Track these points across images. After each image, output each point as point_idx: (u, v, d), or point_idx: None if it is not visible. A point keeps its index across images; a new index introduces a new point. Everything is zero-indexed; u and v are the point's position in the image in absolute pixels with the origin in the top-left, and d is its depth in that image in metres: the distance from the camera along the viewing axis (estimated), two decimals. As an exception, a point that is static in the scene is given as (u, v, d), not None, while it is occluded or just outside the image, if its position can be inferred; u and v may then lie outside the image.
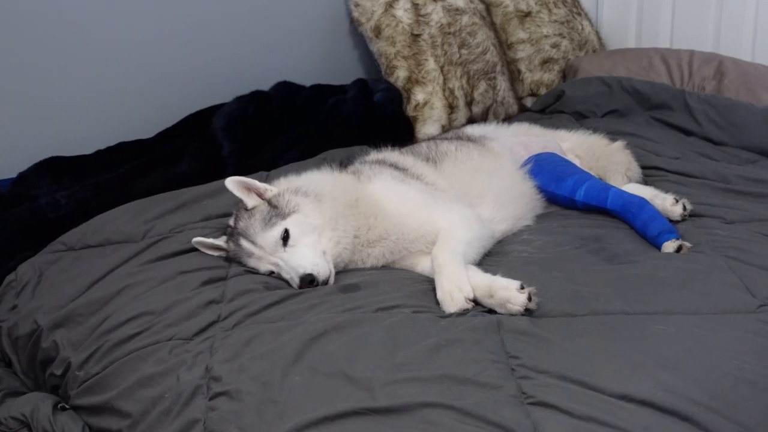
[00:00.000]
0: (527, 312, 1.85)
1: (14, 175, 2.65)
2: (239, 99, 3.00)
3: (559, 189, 2.51)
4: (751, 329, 1.80)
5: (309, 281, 2.03)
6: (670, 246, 2.21)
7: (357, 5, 3.30)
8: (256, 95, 3.04)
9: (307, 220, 2.11)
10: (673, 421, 1.53)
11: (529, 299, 1.85)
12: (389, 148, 2.60)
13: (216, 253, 2.23)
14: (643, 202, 2.37)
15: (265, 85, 3.12)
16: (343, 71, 3.42)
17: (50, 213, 2.48)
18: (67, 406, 1.96)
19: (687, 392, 1.59)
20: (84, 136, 2.78)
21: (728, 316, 1.86)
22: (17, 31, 2.65)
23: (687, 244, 2.22)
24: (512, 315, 1.85)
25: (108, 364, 1.91)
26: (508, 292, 1.87)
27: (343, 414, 1.56)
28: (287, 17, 3.29)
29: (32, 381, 2.14)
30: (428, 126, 3.23)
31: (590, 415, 1.52)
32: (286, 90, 3.13)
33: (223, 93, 3.01)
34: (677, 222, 2.37)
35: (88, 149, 2.77)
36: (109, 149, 2.79)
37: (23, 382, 2.16)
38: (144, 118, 2.91)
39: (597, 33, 3.97)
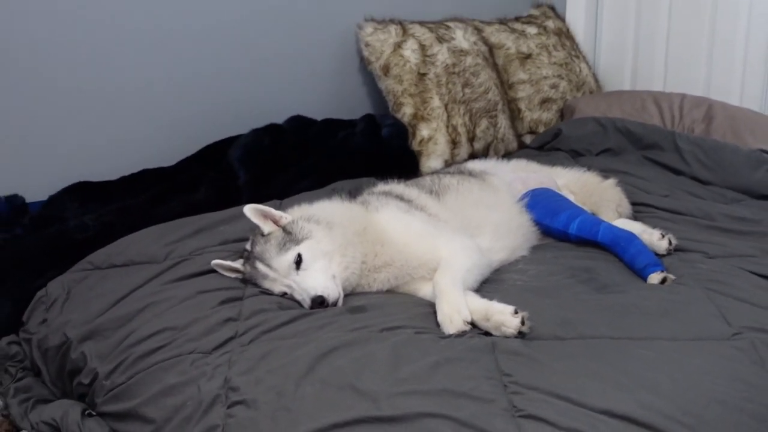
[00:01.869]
0: (520, 335, 1.94)
1: (45, 198, 2.73)
2: (255, 131, 3.08)
3: (554, 222, 2.59)
4: (726, 355, 1.89)
5: (320, 302, 2.11)
6: (655, 278, 2.30)
7: (367, 45, 3.38)
8: (270, 128, 3.12)
9: (319, 246, 2.20)
10: None
11: (523, 323, 1.94)
12: (395, 180, 2.66)
13: (233, 275, 2.32)
14: (631, 237, 2.45)
15: (279, 119, 3.19)
16: (353, 107, 3.49)
17: (78, 234, 2.57)
18: (94, 413, 2.04)
19: (663, 409, 1.67)
20: (110, 163, 2.87)
21: (705, 342, 1.95)
22: (50, 68, 2.75)
23: (671, 276, 2.30)
24: (506, 337, 1.93)
25: (133, 374, 1.99)
26: (503, 316, 1.96)
27: (351, 422, 1.66)
28: (301, 56, 3.37)
29: (60, 390, 2.23)
30: (432, 160, 3.31)
31: (574, 428, 1.62)
32: (299, 123, 3.21)
33: (240, 125, 3.09)
34: (663, 256, 2.44)
35: (113, 175, 2.85)
36: (132, 176, 2.88)
37: (51, 391, 2.25)
38: (166, 147, 2.99)
39: (594, 75, 4.04)
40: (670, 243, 2.49)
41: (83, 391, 2.13)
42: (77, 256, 2.49)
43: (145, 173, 2.91)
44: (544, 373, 1.81)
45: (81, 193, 2.76)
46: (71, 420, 2.03)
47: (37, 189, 2.74)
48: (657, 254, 2.45)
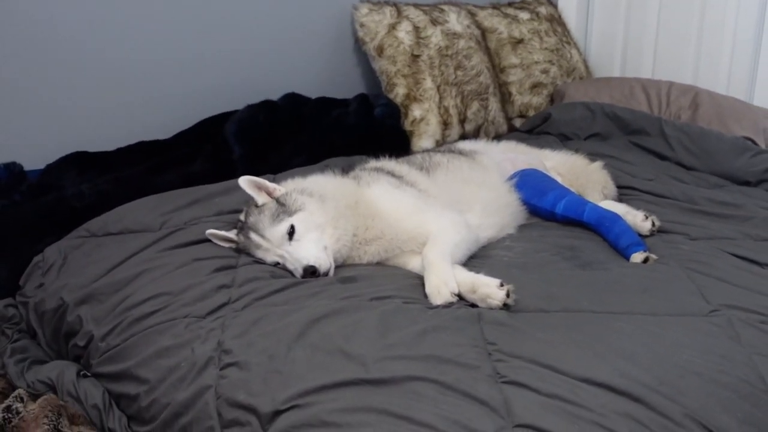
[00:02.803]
0: (505, 307, 1.99)
1: (42, 166, 2.76)
2: (250, 107, 3.10)
3: (541, 202, 2.64)
4: (703, 330, 1.95)
5: (311, 272, 2.16)
6: (637, 257, 2.35)
7: (362, 25, 3.41)
8: (265, 104, 3.14)
9: (312, 218, 2.25)
10: (626, 401, 1.68)
11: (508, 296, 1.99)
12: (387, 158, 2.70)
13: (227, 245, 2.36)
14: (616, 217, 2.50)
15: (274, 96, 3.21)
16: (347, 86, 3.51)
17: (75, 202, 2.60)
18: (89, 374, 2.09)
19: (640, 378, 1.73)
20: (107, 134, 2.89)
21: (683, 318, 2.01)
22: (51, 39, 2.77)
23: (653, 256, 2.36)
24: (492, 309, 1.99)
25: (128, 336, 2.05)
26: (489, 289, 2.01)
27: (339, 383, 1.71)
28: (297, 34, 3.39)
29: (55, 352, 2.28)
30: (423, 140, 3.34)
31: (555, 393, 1.68)
32: (293, 101, 3.23)
33: (236, 101, 3.11)
34: (646, 236, 2.50)
35: (111, 146, 2.88)
36: (129, 147, 2.90)
37: (47, 353, 2.29)
38: (162, 120, 3.02)
39: (584, 61, 4.07)
40: (653, 224, 2.54)
41: (78, 353, 2.18)
42: (74, 223, 2.53)
43: (141, 145, 2.93)
44: (527, 342, 1.87)
45: (78, 163, 2.78)
46: (67, 380, 2.08)
47: (35, 157, 2.77)
48: (640, 235, 2.50)
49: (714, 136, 3.18)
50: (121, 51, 2.95)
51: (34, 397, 2.03)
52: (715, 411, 1.72)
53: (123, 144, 2.93)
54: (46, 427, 1.88)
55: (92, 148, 2.86)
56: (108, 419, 1.99)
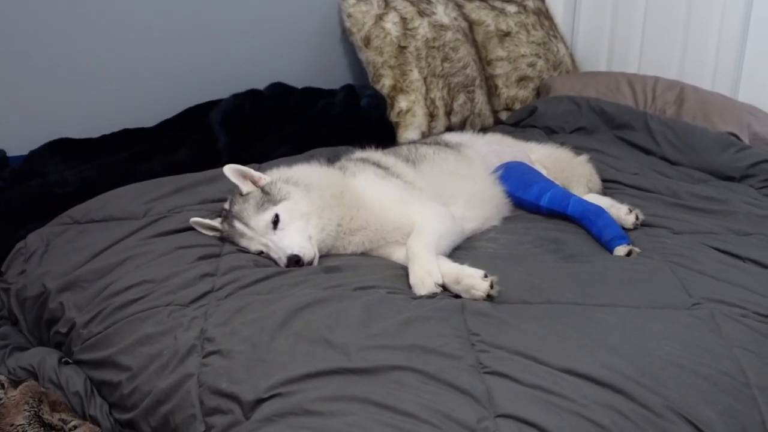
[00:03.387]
0: (489, 298, 2.00)
1: (26, 152, 2.74)
2: (236, 96, 3.09)
3: (526, 195, 2.65)
4: (684, 322, 1.97)
5: (295, 261, 2.15)
6: (621, 250, 2.37)
7: (349, 16, 3.40)
8: (251, 93, 3.13)
9: (296, 207, 2.24)
10: (608, 392, 1.69)
11: (492, 287, 2.00)
12: (373, 149, 2.69)
13: (211, 233, 2.35)
14: (600, 211, 2.52)
15: (260, 85, 3.21)
16: (333, 76, 3.51)
17: (58, 189, 2.58)
18: (70, 361, 2.08)
19: (622, 369, 1.75)
20: (91, 121, 2.87)
21: (665, 310, 2.03)
22: (35, 26, 2.75)
23: (636, 249, 2.38)
24: (475, 300, 2.00)
25: (110, 324, 2.04)
26: (473, 280, 2.02)
27: (322, 372, 1.71)
28: (284, 24, 3.38)
29: (37, 339, 2.27)
30: (409, 132, 3.34)
31: (537, 384, 1.69)
32: (279, 90, 3.22)
33: (222, 90, 3.11)
34: (630, 230, 2.52)
35: (95, 133, 2.86)
36: (113, 135, 2.88)
37: (28, 340, 2.29)
38: (147, 108, 3.01)
39: (571, 56, 4.08)
40: (637, 218, 2.57)
41: (60, 340, 2.17)
42: (57, 210, 2.52)
43: (126, 132, 2.92)
44: (510, 333, 1.88)
45: (62, 149, 2.76)
46: (48, 366, 2.07)
47: (18, 144, 2.75)
48: (624, 228, 2.52)
49: (699, 131, 3.20)
50: (106, 38, 2.94)
51: (15, 383, 2.02)
52: (695, 403, 1.73)
53: (107, 131, 2.91)
54: (27, 413, 1.87)
55: (76, 135, 2.84)
56: (89, 406, 1.98)
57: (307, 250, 2.20)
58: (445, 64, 3.50)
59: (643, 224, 2.58)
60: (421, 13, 3.51)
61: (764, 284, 2.20)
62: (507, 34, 3.81)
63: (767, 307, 2.09)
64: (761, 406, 1.79)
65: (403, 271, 2.17)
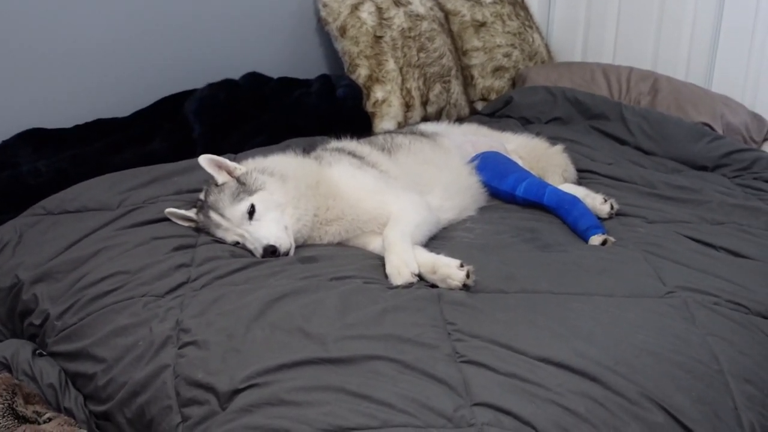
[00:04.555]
0: (465, 287, 2.02)
1: None
2: (211, 86, 3.07)
3: (502, 184, 2.65)
4: (658, 311, 1.99)
5: (271, 252, 2.16)
6: (596, 240, 2.39)
7: (325, 5, 3.39)
8: (226, 83, 3.11)
9: (272, 198, 2.23)
10: (583, 380, 1.71)
11: (468, 276, 2.01)
12: (348, 139, 2.69)
13: (186, 224, 2.35)
14: (575, 200, 2.53)
15: (236, 75, 3.18)
16: (309, 66, 3.49)
17: (31, 180, 2.56)
18: (44, 353, 2.07)
19: (597, 358, 1.77)
20: (64, 111, 2.84)
21: (639, 299, 2.04)
22: (6, 14, 2.70)
23: (611, 238, 2.39)
24: (452, 289, 2.01)
25: (85, 315, 2.03)
26: (449, 269, 2.03)
27: (299, 362, 1.72)
28: (259, 13, 3.35)
29: (10, 330, 2.25)
30: (385, 122, 3.32)
31: (513, 373, 1.71)
32: (254, 80, 3.20)
33: (196, 79, 3.08)
34: (605, 219, 2.53)
35: (68, 123, 2.83)
36: (87, 125, 2.85)
37: (1, 331, 2.26)
38: (121, 98, 2.98)
39: (546, 46, 4.08)
40: (611, 207, 2.58)
41: (34, 332, 2.16)
42: (29, 201, 2.50)
43: (99, 122, 2.89)
44: (486, 322, 1.90)
45: (34, 140, 2.73)
46: (22, 358, 2.05)
47: (-11, 135, 2.71)
48: (599, 218, 2.53)
49: (673, 121, 3.21)
50: (79, 26, 2.90)
51: (-12, 376, 2.00)
52: (669, 390, 1.75)
53: (81, 121, 2.88)
54: (0, 406, 1.85)
55: (49, 125, 2.81)
56: (64, 398, 1.97)
57: (283, 240, 2.20)
58: (421, 54, 3.49)
59: (618, 213, 2.59)
60: (397, 3, 3.50)
61: (737, 272, 2.23)
62: (483, 24, 3.80)
63: (740, 295, 2.11)
64: (734, 392, 1.81)
65: (379, 261, 2.18)
